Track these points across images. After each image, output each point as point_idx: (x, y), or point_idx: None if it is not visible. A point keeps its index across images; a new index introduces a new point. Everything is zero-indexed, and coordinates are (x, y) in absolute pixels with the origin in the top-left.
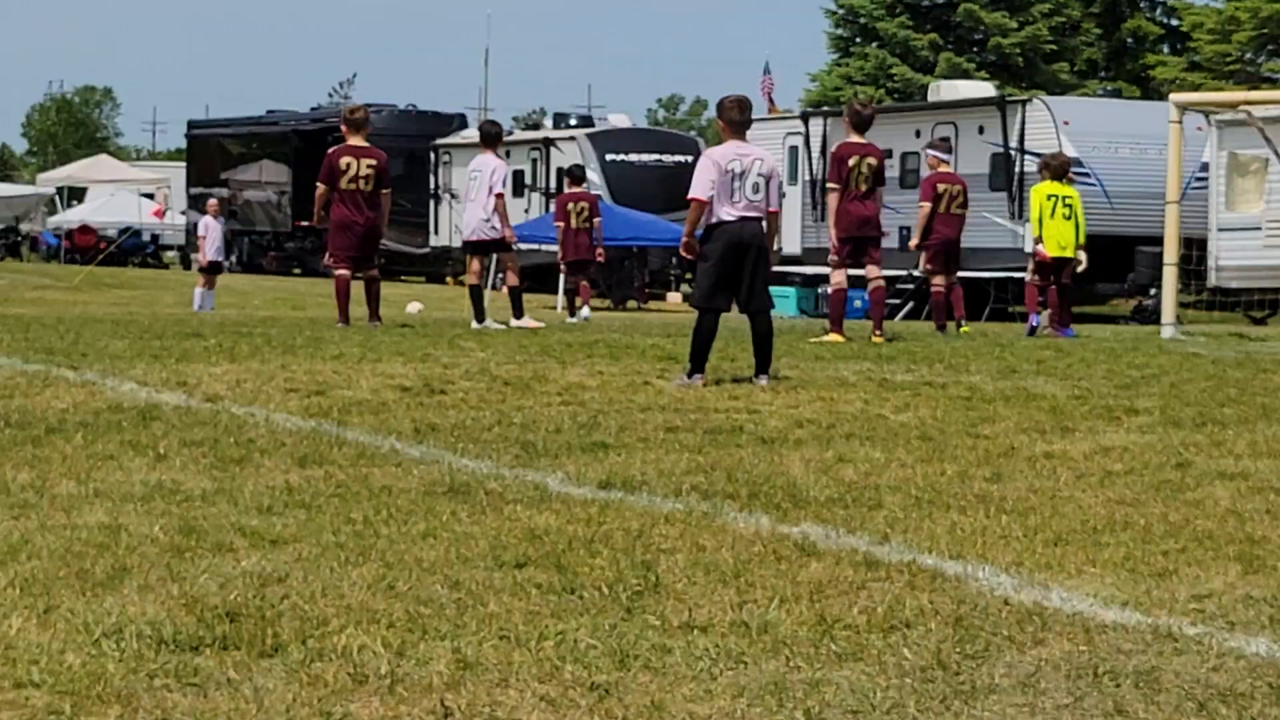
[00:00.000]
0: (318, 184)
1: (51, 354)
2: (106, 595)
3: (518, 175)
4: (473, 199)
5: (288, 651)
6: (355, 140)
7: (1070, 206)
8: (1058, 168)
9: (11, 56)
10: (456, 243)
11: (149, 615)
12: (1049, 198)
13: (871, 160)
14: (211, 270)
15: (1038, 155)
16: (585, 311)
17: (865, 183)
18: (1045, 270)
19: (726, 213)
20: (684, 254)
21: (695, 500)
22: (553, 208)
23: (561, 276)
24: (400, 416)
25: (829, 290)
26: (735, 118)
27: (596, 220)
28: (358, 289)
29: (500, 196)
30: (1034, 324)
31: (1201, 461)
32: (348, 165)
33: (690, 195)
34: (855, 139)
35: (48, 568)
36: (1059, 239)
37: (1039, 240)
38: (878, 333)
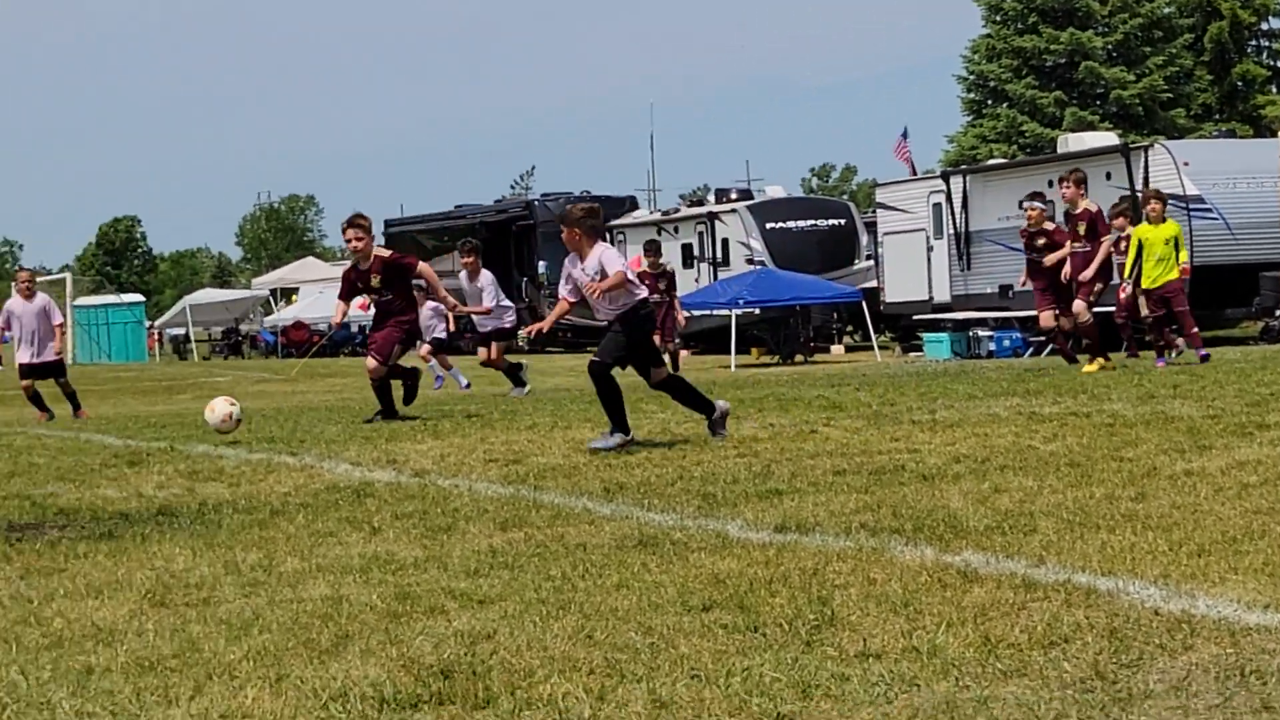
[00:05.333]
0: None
1: (273, 442)
2: (332, 661)
3: (686, 248)
4: None
5: (499, 703)
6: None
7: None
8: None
9: (225, 172)
10: None
11: (371, 677)
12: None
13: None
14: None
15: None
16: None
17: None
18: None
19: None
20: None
21: (864, 537)
22: (715, 278)
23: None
24: (590, 478)
25: (1081, 323)
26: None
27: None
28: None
29: None
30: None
31: None
32: None
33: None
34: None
35: (277, 639)
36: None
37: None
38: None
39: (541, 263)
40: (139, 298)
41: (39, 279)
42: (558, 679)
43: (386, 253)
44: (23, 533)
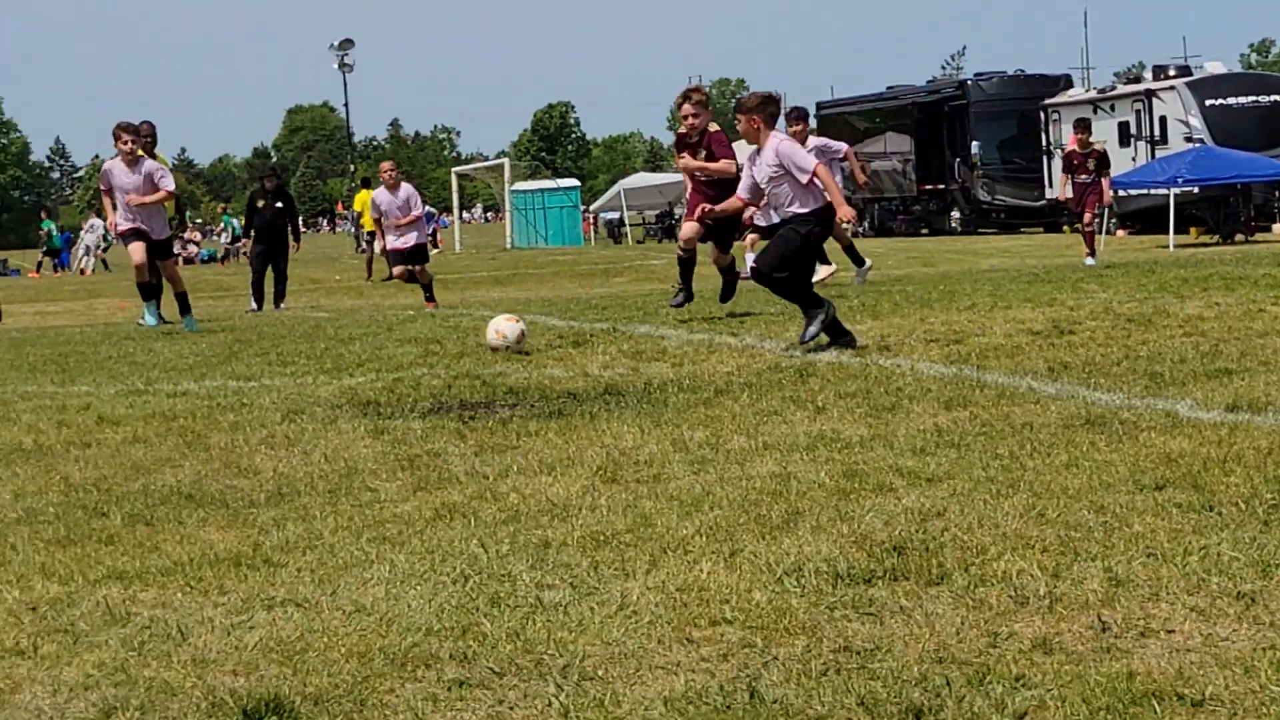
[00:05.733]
0: None
1: (714, 323)
2: (784, 537)
3: (1123, 127)
4: None
5: (952, 579)
6: None
7: None
8: None
9: (657, 56)
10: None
11: (824, 553)
12: None
13: None
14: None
15: None
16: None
17: None
18: None
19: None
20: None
21: None
22: (1152, 157)
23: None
24: (1034, 357)
25: None
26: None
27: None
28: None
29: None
30: None
31: None
32: None
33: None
34: None
35: (729, 515)
36: None
37: None
38: None
39: (974, 143)
40: (574, 182)
41: (477, 165)
42: (1011, 556)
43: (715, 128)
44: (475, 411)
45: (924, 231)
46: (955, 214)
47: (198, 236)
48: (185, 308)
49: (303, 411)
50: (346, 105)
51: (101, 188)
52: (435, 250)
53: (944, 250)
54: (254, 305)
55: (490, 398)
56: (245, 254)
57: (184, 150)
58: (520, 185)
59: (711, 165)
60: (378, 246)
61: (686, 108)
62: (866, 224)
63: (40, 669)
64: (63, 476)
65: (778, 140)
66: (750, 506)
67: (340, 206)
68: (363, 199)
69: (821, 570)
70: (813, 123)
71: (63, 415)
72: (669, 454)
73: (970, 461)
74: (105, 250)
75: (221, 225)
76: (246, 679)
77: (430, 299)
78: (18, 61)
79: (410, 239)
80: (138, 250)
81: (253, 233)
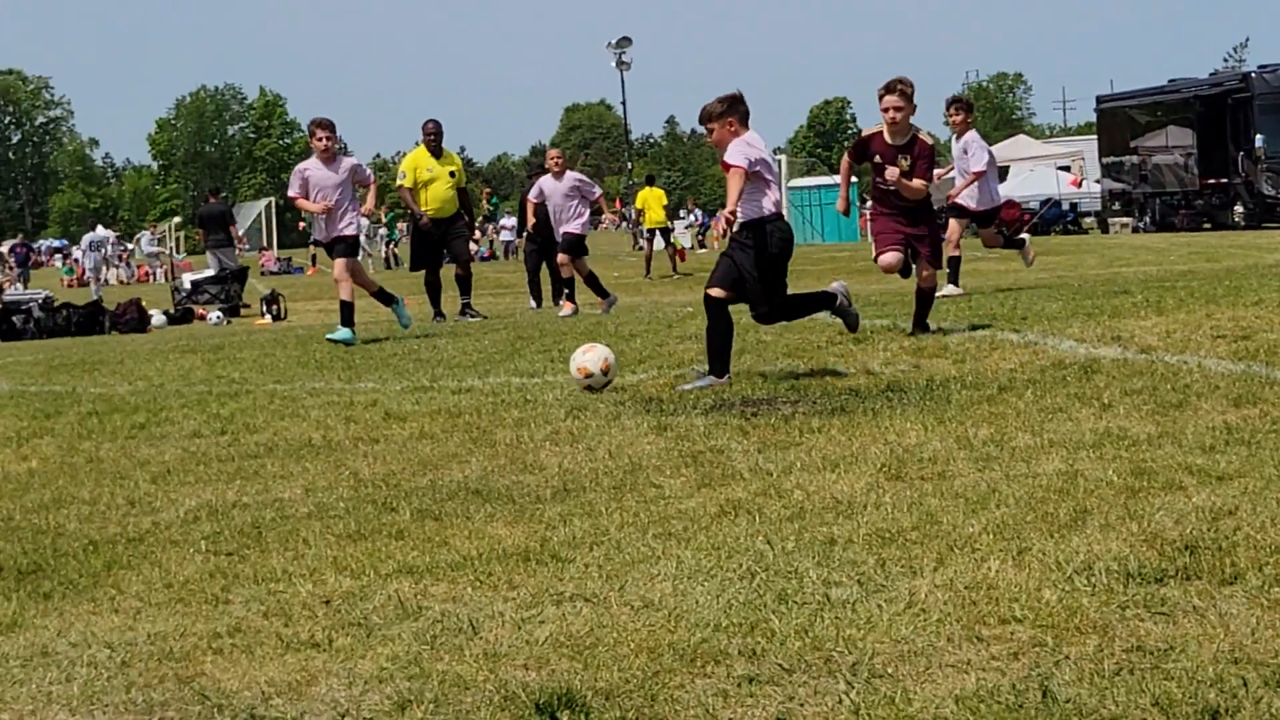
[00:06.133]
0: None
1: (995, 320)
2: (1072, 535)
3: None
4: None
5: (1246, 579)
6: None
7: None
8: None
9: (933, 51)
10: None
11: (1113, 551)
12: None
13: None
14: None
15: None
16: None
17: None
18: None
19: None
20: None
21: None
22: None
23: None
24: None
25: None
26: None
27: None
28: None
29: None
30: None
31: None
32: None
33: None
34: None
35: (1015, 513)
36: None
37: None
38: None
39: (1259, 136)
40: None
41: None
42: None
43: (929, 137)
44: (757, 408)
45: (1206, 226)
46: (1239, 208)
47: (476, 235)
48: (345, 318)
49: (586, 408)
50: (624, 103)
51: (290, 194)
52: (704, 250)
53: (1227, 245)
54: (533, 303)
55: (772, 394)
56: (522, 249)
57: (464, 149)
58: (797, 181)
59: (914, 184)
60: (658, 243)
61: (889, 99)
62: (1147, 219)
63: (335, 662)
64: (352, 472)
65: (747, 137)
66: (1037, 504)
67: (619, 204)
68: (643, 196)
69: (1112, 569)
70: (1092, 117)
71: (350, 411)
72: (953, 451)
73: (1261, 459)
74: (394, 245)
75: (488, 209)
76: (538, 673)
77: (600, 293)
78: (299, 62)
79: (574, 227)
80: (338, 267)
81: (526, 231)
